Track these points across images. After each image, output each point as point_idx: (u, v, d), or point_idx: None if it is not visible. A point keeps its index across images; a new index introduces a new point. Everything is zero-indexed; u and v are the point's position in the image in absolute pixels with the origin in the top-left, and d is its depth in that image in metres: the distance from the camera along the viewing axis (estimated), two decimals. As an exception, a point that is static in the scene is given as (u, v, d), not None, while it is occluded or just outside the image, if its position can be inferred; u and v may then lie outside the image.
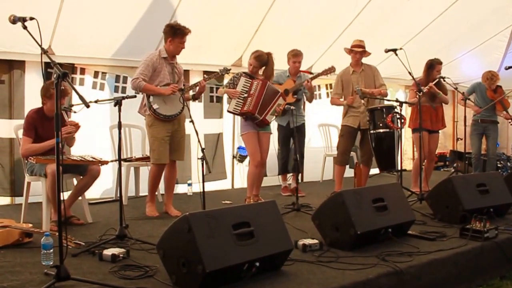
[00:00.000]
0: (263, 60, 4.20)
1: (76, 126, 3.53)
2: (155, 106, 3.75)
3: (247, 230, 2.33)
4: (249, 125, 4.23)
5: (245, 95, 4.10)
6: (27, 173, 3.60)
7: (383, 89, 4.69)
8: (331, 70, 4.63)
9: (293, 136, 4.74)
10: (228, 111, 4.26)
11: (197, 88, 3.93)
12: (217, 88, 5.56)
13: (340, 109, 4.93)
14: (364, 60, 4.78)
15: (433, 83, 4.81)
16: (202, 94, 5.54)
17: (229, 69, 4.13)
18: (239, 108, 4.12)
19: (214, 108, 5.61)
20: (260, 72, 4.33)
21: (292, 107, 4.18)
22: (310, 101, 4.98)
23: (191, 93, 4.04)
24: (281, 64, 5.01)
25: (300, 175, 5.03)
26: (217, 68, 4.91)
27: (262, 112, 4.13)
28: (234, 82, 4.21)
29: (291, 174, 5.23)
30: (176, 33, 3.75)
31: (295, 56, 4.76)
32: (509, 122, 5.75)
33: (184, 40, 3.80)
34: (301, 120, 4.92)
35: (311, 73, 4.89)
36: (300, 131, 4.87)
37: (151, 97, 3.77)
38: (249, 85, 4.13)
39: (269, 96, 4.15)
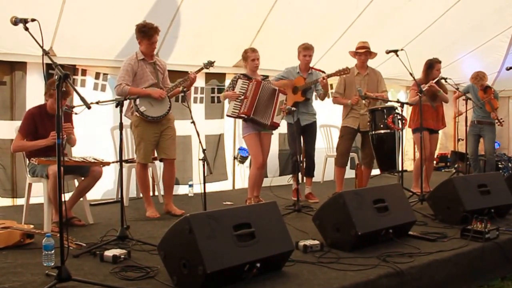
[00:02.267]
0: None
1: (68, 131, 3.53)
2: (142, 109, 3.76)
3: (248, 231, 2.33)
4: (250, 127, 4.23)
5: (242, 97, 4.10)
6: (28, 174, 3.61)
7: (385, 95, 4.68)
8: (345, 71, 4.43)
9: (302, 135, 4.71)
10: (227, 115, 4.26)
11: (187, 82, 3.92)
12: (218, 89, 5.58)
13: (341, 110, 4.92)
14: (369, 62, 4.76)
15: (433, 82, 4.81)
16: (203, 95, 5.57)
17: (213, 62, 4.09)
18: (237, 111, 4.11)
19: (215, 109, 5.62)
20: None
21: (293, 109, 4.16)
22: (322, 99, 4.78)
23: (180, 87, 4.02)
24: (281, 64, 5.01)
25: (300, 175, 4.98)
26: (218, 69, 4.92)
27: (259, 114, 4.10)
28: (233, 85, 4.20)
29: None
30: (142, 35, 3.76)
31: (306, 49, 4.57)
32: (497, 123, 5.76)
33: (153, 40, 3.79)
34: (311, 118, 4.75)
35: (322, 71, 4.69)
36: (310, 130, 4.74)
37: (137, 99, 3.77)
38: (246, 86, 4.12)
39: (266, 96, 4.12)
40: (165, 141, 3.95)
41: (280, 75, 4.70)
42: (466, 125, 5.49)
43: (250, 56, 4.24)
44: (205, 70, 5.03)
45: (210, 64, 4.07)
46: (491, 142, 5.83)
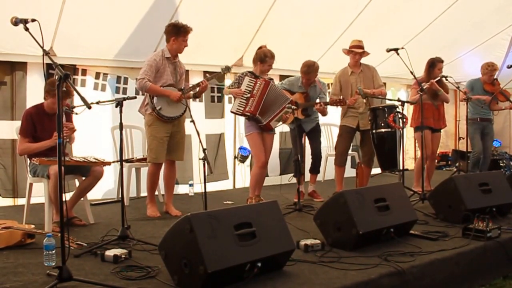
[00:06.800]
0: None
1: (72, 130, 3.53)
2: (158, 108, 3.76)
3: (249, 231, 2.33)
4: (253, 126, 4.23)
5: (248, 95, 4.11)
6: (29, 174, 3.61)
7: (383, 90, 4.68)
8: (341, 103, 4.46)
9: (307, 136, 4.79)
10: (231, 112, 4.26)
11: (198, 88, 3.92)
12: (218, 88, 5.57)
13: (340, 108, 4.91)
14: (364, 60, 4.76)
15: (435, 80, 4.80)
16: (203, 94, 5.58)
17: (230, 67, 4.08)
18: (242, 109, 4.12)
19: (216, 108, 5.62)
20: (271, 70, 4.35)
21: (293, 106, 4.16)
22: (323, 116, 4.80)
23: (191, 92, 4.04)
24: (280, 64, 4.99)
25: (301, 176, 4.95)
26: (217, 68, 4.90)
27: (264, 114, 4.12)
28: (239, 82, 4.19)
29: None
30: (179, 32, 3.77)
31: (306, 73, 4.50)
32: None
33: (187, 38, 3.83)
34: (313, 123, 4.77)
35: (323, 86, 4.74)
36: (314, 131, 4.78)
37: (155, 98, 3.78)
38: (252, 84, 4.12)
39: (273, 98, 4.13)
40: (174, 142, 3.95)
41: (282, 87, 4.68)
42: (467, 124, 5.47)
43: (268, 62, 4.19)
44: (204, 69, 5.01)
45: (227, 69, 4.03)
46: (492, 142, 5.80)
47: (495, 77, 5.70)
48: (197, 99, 5.43)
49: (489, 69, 5.53)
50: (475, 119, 5.63)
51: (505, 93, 5.62)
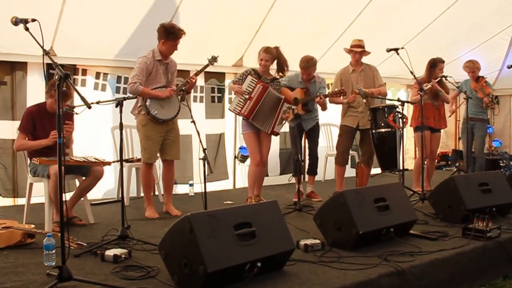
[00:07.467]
0: (272, 52, 4.17)
1: (69, 130, 3.52)
2: (153, 112, 3.76)
3: (249, 230, 2.33)
4: (249, 125, 4.24)
5: (247, 96, 4.11)
6: (29, 174, 3.61)
7: (382, 89, 4.68)
8: (341, 93, 4.46)
9: (306, 135, 4.79)
10: (229, 109, 4.28)
11: (187, 85, 3.93)
12: (218, 89, 5.58)
13: (341, 108, 4.91)
14: (365, 59, 4.76)
15: (436, 81, 4.80)
16: (204, 94, 5.58)
17: (217, 57, 4.03)
18: (239, 109, 4.13)
19: (216, 108, 5.62)
20: (273, 70, 4.33)
21: (294, 107, 4.16)
22: (323, 110, 4.81)
23: (183, 88, 4.03)
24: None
25: (301, 175, 4.96)
26: (217, 68, 4.89)
27: (257, 119, 4.13)
28: (242, 79, 4.19)
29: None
30: (169, 36, 3.73)
31: (304, 68, 4.51)
32: (489, 106, 5.79)
33: (177, 43, 3.79)
34: (313, 121, 4.77)
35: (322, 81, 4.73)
36: (314, 131, 4.79)
37: (148, 101, 3.76)
38: (253, 85, 4.12)
39: (269, 104, 4.12)
40: (169, 142, 3.96)
41: (282, 84, 4.68)
42: (467, 124, 5.47)
43: (259, 55, 4.20)
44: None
45: (214, 59, 4.02)
46: (482, 140, 5.79)
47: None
48: (198, 100, 5.45)
49: (465, 65, 5.63)
50: (465, 118, 5.66)
51: (484, 89, 5.64)
